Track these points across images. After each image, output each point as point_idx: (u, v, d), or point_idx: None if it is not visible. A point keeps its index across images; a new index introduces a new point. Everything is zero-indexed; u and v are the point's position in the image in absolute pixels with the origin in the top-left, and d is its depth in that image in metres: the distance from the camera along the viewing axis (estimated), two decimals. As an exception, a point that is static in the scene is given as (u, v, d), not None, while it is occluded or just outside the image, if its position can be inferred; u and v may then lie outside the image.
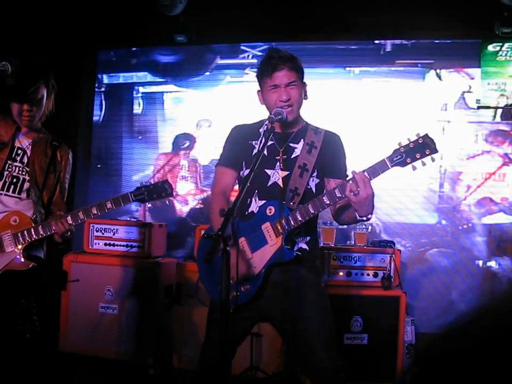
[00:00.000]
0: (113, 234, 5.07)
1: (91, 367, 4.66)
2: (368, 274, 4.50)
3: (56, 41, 5.58)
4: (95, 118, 6.31)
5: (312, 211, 2.60)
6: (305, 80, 2.89)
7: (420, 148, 2.46)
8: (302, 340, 2.68)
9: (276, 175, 2.79)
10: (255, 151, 2.83)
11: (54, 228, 2.90)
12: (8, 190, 3.02)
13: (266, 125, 2.56)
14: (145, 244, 4.98)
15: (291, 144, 2.84)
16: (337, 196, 2.54)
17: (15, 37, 5.17)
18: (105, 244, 5.07)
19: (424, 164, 2.49)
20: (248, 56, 5.86)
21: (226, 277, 2.03)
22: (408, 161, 2.46)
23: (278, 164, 2.80)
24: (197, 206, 5.95)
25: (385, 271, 4.48)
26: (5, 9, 5.31)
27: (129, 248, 5.00)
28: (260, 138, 2.53)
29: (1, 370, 3.41)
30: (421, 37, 5.36)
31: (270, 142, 2.81)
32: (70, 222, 2.91)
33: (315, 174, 2.81)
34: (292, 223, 2.62)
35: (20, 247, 2.92)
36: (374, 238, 5.04)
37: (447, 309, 5.12)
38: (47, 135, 3.24)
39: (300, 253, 2.69)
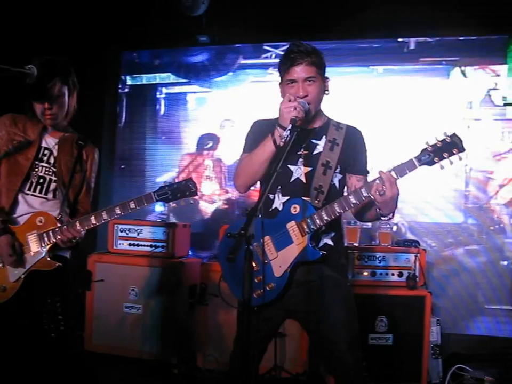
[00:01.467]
0: (138, 235, 5.10)
1: (115, 367, 4.69)
2: (393, 274, 4.47)
3: (80, 42, 5.62)
4: (119, 119, 6.35)
5: (338, 210, 2.59)
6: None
7: (448, 147, 2.45)
8: (326, 340, 2.66)
9: (299, 171, 2.78)
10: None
11: (62, 233, 2.91)
12: (34, 191, 3.04)
13: (291, 123, 2.53)
14: (169, 244, 5.00)
15: (313, 141, 2.82)
16: (364, 195, 2.53)
17: (40, 39, 5.22)
18: (130, 244, 5.11)
19: (451, 163, 2.48)
20: (271, 55, 5.85)
21: (248, 276, 2.02)
22: (436, 161, 2.45)
23: (300, 159, 2.78)
24: (222, 207, 5.95)
25: (410, 271, 4.45)
26: (29, 11, 5.37)
27: (153, 248, 5.02)
28: (285, 137, 2.50)
29: (27, 370, 3.45)
30: (445, 34, 5.29)
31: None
32: (94, 222, 2.92)
33: (338, 170, 2.80)
34: (318, 221, 2.61)
35: (45, 247, 2.94)
36: (398, 237, 5.01)
37: (473, 310, 5.06)
38: (73, 134, 3.24)
39: (325, 252, 2.67)
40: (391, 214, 2.62)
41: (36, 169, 3.05)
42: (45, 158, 3.09)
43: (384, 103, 5.40)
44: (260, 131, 2.87)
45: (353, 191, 2.59)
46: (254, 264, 2.65)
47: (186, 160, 6.11)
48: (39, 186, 3.04)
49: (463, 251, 5.20)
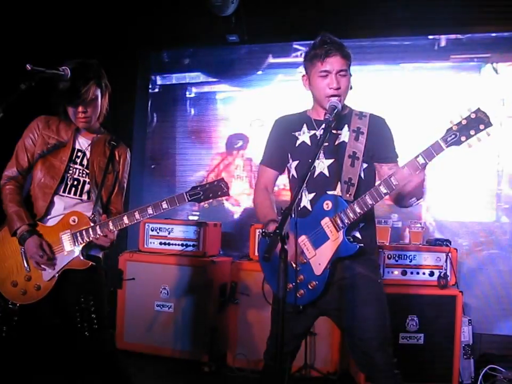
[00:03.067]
0: (168, 234, 5.15)
1: (147, 365, 4.74)
2: (423, 273, 4.44)
3: (110, 43, 5.68)
4: (149, 119, 6.41)
5: (370, 202, 2.56)
6: (358, 77, 2.86)
7: (474, 124, 2.33)
8: (358, 338, 2.66)
9: (321, 165, 2.77)
10: (298, 142, 2.85)
11: (95, 235, 2.96)
12: (69, 193, 3.07)
13: (325, 124, 2.52)
14: (200, 243, 5.03)
15: (333, 131, 2.78)
16: (394, 183, 2.49)
17: (70, 41, 5.29)
18: (160, 243, 5.15)
19: (479, 140, 2.37)
20: (300, 54, 5.81)
21: (284, 275, 2.02)
22: (463, 140, 2.36)
23: (321, 153, 2.76)
24: (252, 206, 5.95)
25: (441, 270, 4.42)
26: (60, 13, 5.45)
27: (184, 247, 5.06)
28: (318, 138, 2.49)
29: (61, 367, 3.50)
30: (476, 30, 5.24)
31: (312, 132, 2.82)
32: (126, 222, 2.94)
33: (367, 160, 2.79)
34: (351, 215, 2.59)
35: (79, 246, 2.98)
36: (429, 236, 4.97)
37: (505, 310, 5.00)
38: (106, 135, 3.27)
39: (362, 244, 2.65)
40: (422, 198, 2.64)
41: (70, 172, 3.08)
42: (78, 160, 3.12)
43: (414, 100, 5.36)
44: (281, 133, 2.89)
45: (384, 181, 2.54)
46: (294, 265, 2.67)
47: (216, 160, 6.14)
48: (73, 188, 3.08)
49: (495, 250, 5.14)
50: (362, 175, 2.78)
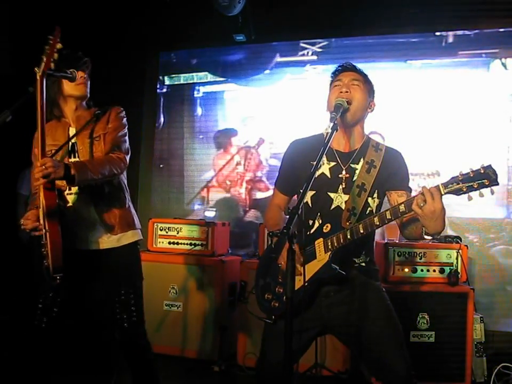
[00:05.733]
0: (177, 233, 5.15)
1: (156, 364, 4.74)
2: (434, 271, 4.41)
3: (118, 44, 5.70)
4: (157, 119, 6.42)
5: (361, 231, 2.50)
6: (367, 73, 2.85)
7: (479, 178, 2.28)
8: (374, 349, 2.60)
9: (339, 199, 2.71)
10: (317, 173, 2.68)
11: None
12: (70, 189, 3.04)
13: (329, 126, 2.48)
14: (209, 242, 5.03)
15: (352, 165, 2.75)
16: (401, 210, 2.41)
17: (78, 43, 5.30)
18: (169, 243, 5.17)
19: (481, 196, 2.32)
20: (307, 53, 5.83)
21: (291, 274, 2.01)
22: (464, 190, 2.31)
23: (340, 187, 2.71)
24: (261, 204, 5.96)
25: (451, 267, 4.39)
26: (68, 14, 5.46)
27: (192, 246, 5.06)
28: (323, 145, 2.44)
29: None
30: (484, 26, 5.21)
31: (332, 163, 2.76)
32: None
33: (375, 195, 2.73)
34: (341, 240, 2.54)
35: None
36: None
37: (518, 306, 4.98)
38: (92, 109, 3.20)
39: (343, 272, 2.56)
40: (436, 234, 2.48)
41: None
42: (76, 154, 3.09)
43: (422, 97, 5.34)
44: (297, 159, 2.83)
45: (391, 207, 2.47)
46: (279, 276, 2.67)
47: (224, 159, 6.13)
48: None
49: (506, 246, 5.11)
50: (373, 210, 2.72)
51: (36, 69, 2.78)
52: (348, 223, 2.63)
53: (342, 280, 2.63)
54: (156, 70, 6.43)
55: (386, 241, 4.55)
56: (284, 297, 2.59)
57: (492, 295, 5.00)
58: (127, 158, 3.11)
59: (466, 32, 5.32)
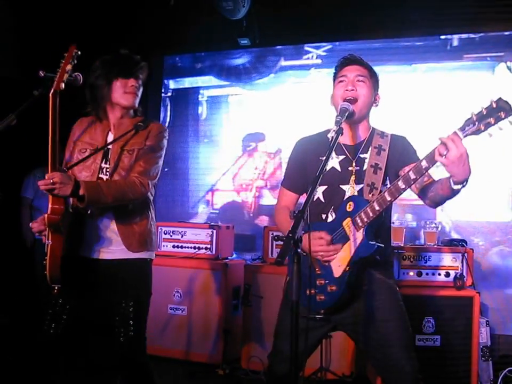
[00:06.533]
0: (181, 237, 5.16)
1: (160, 368, 4.73)
2: (439, 274, 4.39)
3: (123, 48, 5.70)
4: (162, 123, 6.42)
5: (388, 198, 2.45)
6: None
7: (494, 112, 2.20)
8: (382, 348, 2.58)
9: (352, 190, 2.70)
10: (327, 167, 2.67)
11: None
12: None
13: (334, 130, 2.45)
14: (213, 245, 5.03)
15: (361, 156, 2.75)
16: (424, 166, 2.34)
17: (83, 46, 5.30)
18: (174, 246, 5.17)
19: (500, 129, 2.22)
20: (312, 56, 5.84)
21: (297, 279, 1.99)
22: (482, 129, 2.22)
23: (351, 178, 2.70)
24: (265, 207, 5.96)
25: (457, 271, 4.37)
26: (74, 17, 5.48)
27: (197, 250, 5.06)
28: (328, 148, 2.42)
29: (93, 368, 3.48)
30: (489, 29, 5.20)
31: (341, 157, 2.76)
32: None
33: (388, 177, 2.71)
34: (371, 214, 2.48)
35: None
36: (445, 236, 4.93)
37: (524, 310, 4.95)
38: (136, 118, 3.14)
39: (382, 245, 2.53)
40: (465, 181, 2.37)
41: (102, 174, 2.98)
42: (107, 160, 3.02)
43: (428, 101, 5.33)
44: (304, 156, 2.84)
45: (413, 167, 2.39)
46: (316, 268, 2.63)
47: (229, 162, 6.13)
48: None
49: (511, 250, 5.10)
50: (384, 182, 2.69)
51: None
52: (370, 195, 2.61)
53: (362, 273, 2.61)
54: (161, 74, 6.44)
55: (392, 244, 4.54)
56: (329, 288, 2.59)
57: (498, 298, 4.98)
58: (152, 183, 3.02)
59: (471, 36, 5.32)
